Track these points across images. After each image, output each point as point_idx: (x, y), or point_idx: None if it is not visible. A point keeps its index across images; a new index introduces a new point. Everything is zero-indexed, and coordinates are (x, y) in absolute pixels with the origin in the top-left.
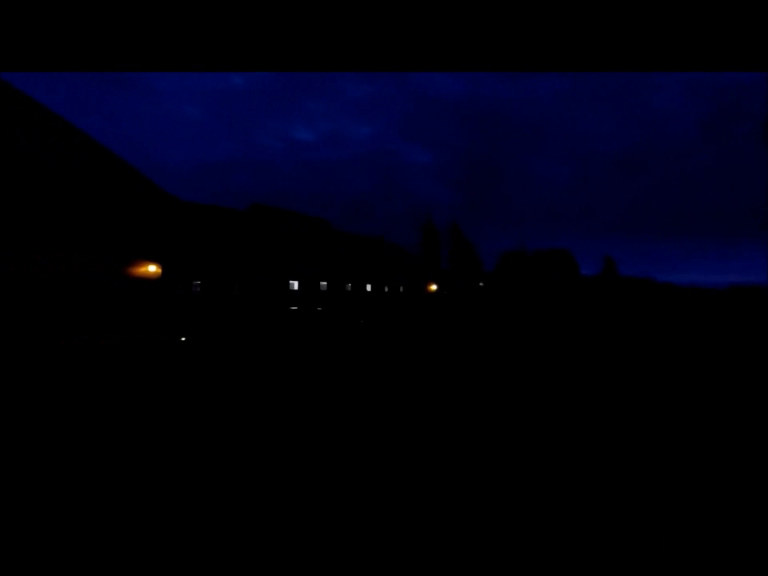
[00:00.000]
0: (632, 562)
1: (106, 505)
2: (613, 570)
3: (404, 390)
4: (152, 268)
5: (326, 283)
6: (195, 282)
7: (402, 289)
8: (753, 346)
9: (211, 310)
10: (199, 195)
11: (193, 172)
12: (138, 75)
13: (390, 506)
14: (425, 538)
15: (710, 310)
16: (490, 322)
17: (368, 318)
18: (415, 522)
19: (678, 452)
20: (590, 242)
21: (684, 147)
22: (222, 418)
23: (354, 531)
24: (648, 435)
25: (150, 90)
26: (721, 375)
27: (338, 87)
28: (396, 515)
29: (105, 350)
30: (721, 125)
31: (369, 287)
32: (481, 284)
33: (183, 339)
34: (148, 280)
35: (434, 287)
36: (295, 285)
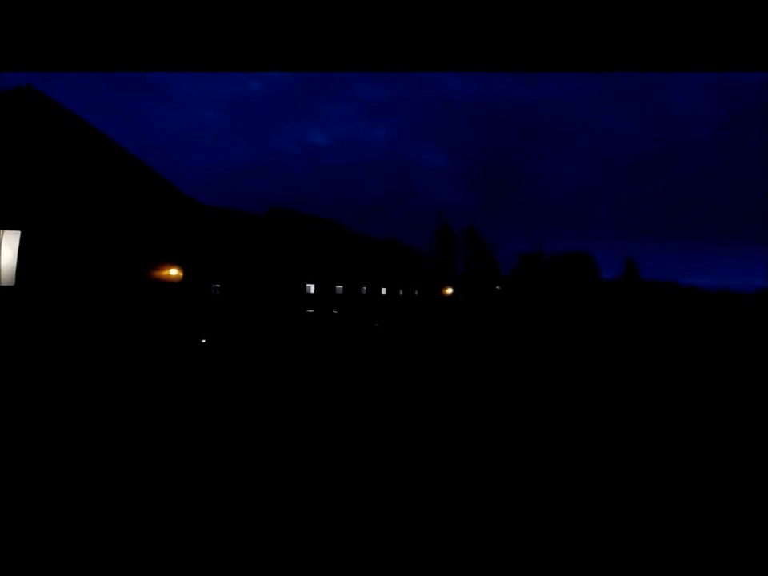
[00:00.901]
0: (632, 562)
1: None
2: (613, 569)
3: (418, 393)
4: (173, 271)
5: (341, 286)
6: (215, 286)
7: (416, 292)
8: None
9: (230, 313)
10: (218, 198)
11: (212, 176)
12: (159, 82)
13: (397, 502)
14: (425, 537)
15: (737, 314)
16: (508, 327)
17: (383, 321)
18: (418, 520)
19: (701, 457)
20: (610, 244)
21: (708, 148)
22: (242, 416)
23: (357, 530)
24: (668, 443)
25: (170, 96)
26: (746, 387)
27: (353, 91)
28: (402, 511)
29: (129, 352)
30: (746, 126)
31: (384, 291)
32: (498, 287)
33: (204, 341)
34: (170, 283)
35: (449, 291)
36: (311, 288)
